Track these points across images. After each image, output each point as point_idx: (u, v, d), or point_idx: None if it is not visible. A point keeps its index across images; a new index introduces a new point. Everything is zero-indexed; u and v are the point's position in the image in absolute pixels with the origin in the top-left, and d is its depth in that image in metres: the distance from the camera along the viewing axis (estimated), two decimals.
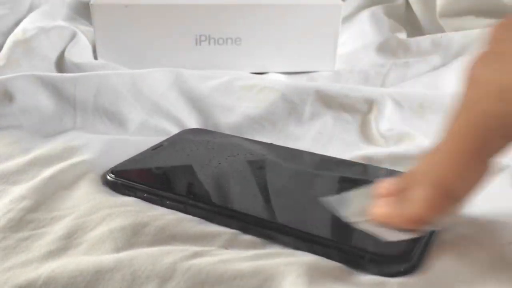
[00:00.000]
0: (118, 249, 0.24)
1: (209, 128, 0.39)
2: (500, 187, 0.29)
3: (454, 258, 0.22)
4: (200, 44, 0.50)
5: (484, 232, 0.24)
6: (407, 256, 0.22)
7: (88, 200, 0.28)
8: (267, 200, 0.28)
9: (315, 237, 0.24)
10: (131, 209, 0.27)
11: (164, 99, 0.40)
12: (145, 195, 0.28)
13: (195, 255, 0.23)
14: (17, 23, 0.56)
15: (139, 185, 0.29)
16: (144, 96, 0.39)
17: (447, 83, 0.46)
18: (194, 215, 0.27)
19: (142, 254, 0.23)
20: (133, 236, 0.25)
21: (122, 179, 0.30)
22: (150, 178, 0.30)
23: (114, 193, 0.29)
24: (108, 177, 0.30)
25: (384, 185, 0.24)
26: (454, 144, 0.20)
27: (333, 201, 0.26)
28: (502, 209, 0.26)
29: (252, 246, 0.25)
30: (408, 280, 0.21)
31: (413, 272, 0.22)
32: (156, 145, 0.35)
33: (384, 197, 0.23)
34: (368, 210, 0.24)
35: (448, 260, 0.22)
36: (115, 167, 0.31)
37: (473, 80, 0.20)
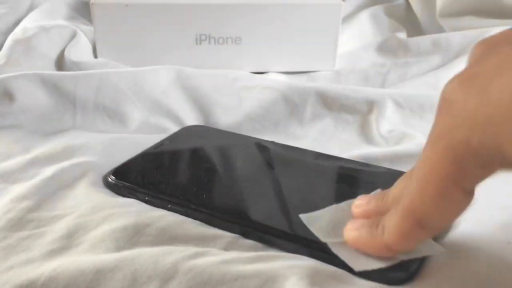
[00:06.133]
0: (119, 249, 0.24)
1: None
2: (499, 187, 0.29)
3: (452, 265, 0.22)
4: (200, 44, 0.50)
5: (482, 233, 0.24)
6: (406, 265, 0.22)
7: (89, 200, 0.28)
8: (268, 205, 0.27)
9: (316, 243, 0.23)
10: (132, 209, 0.27)
11: (165, 96, 0.40)
12: (146, 198, 0.28)
13: (197, 255, 0.23)
14: (17, 22, 0.56)
15: (140, 188, 0.29)
16: (145, 93, 0.39)
17: None
18: (195, 218, 0.27)
19: (144, 254, 0.23)
20: (135, 236, 0.25)
21: (123, 182, 0.29)
22: (151, 181, 0.30)
23: (115, 195, 0.29)
24: (109, 179, 0.30)
25: (361, 203, 0.23)
26: (428, 172, 0.18)
27: (305, 218, 0.24)
28: (501, 208, 0.26)
29: (253, 249, 0.25)
30: None
31: (412, 280, 0.22)
32: (157, 144, 0.34)
33: (359, 218, 0.22)
34: (341, 231, 0.22)
35: (447, 268, 0.22)
36: (116, 168, 0.31)
37: (448, 103, 0.18)
